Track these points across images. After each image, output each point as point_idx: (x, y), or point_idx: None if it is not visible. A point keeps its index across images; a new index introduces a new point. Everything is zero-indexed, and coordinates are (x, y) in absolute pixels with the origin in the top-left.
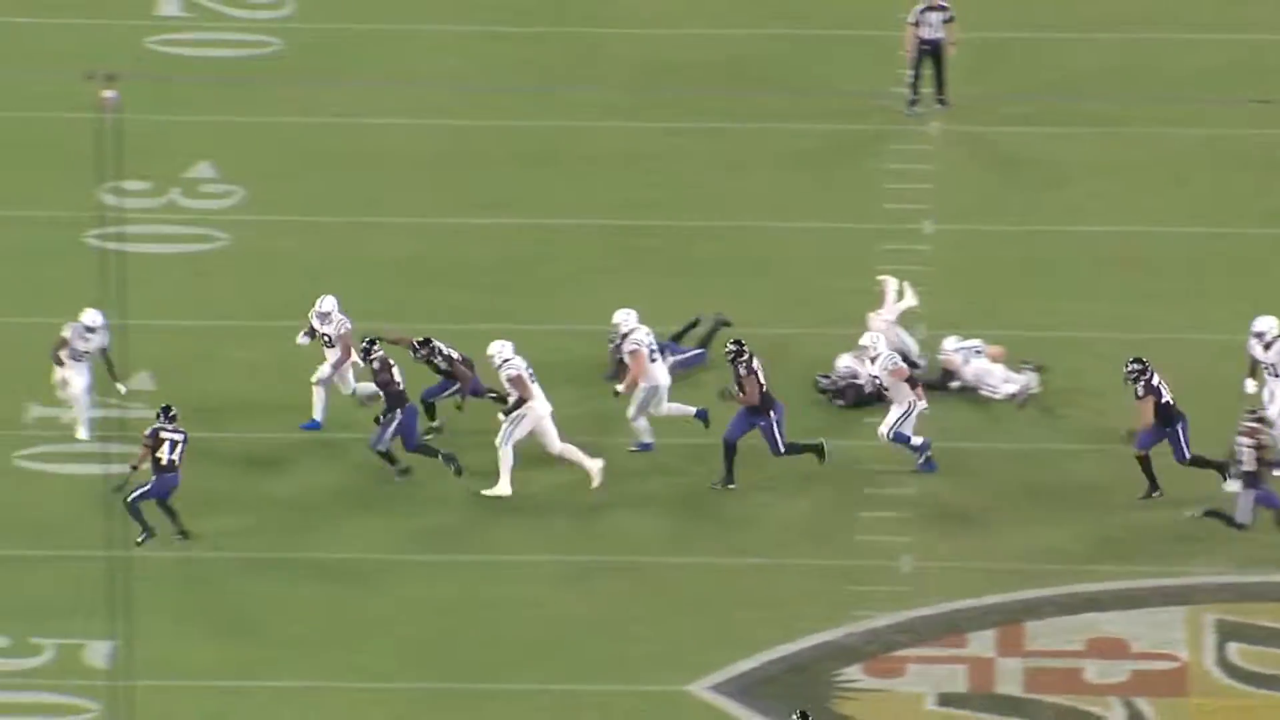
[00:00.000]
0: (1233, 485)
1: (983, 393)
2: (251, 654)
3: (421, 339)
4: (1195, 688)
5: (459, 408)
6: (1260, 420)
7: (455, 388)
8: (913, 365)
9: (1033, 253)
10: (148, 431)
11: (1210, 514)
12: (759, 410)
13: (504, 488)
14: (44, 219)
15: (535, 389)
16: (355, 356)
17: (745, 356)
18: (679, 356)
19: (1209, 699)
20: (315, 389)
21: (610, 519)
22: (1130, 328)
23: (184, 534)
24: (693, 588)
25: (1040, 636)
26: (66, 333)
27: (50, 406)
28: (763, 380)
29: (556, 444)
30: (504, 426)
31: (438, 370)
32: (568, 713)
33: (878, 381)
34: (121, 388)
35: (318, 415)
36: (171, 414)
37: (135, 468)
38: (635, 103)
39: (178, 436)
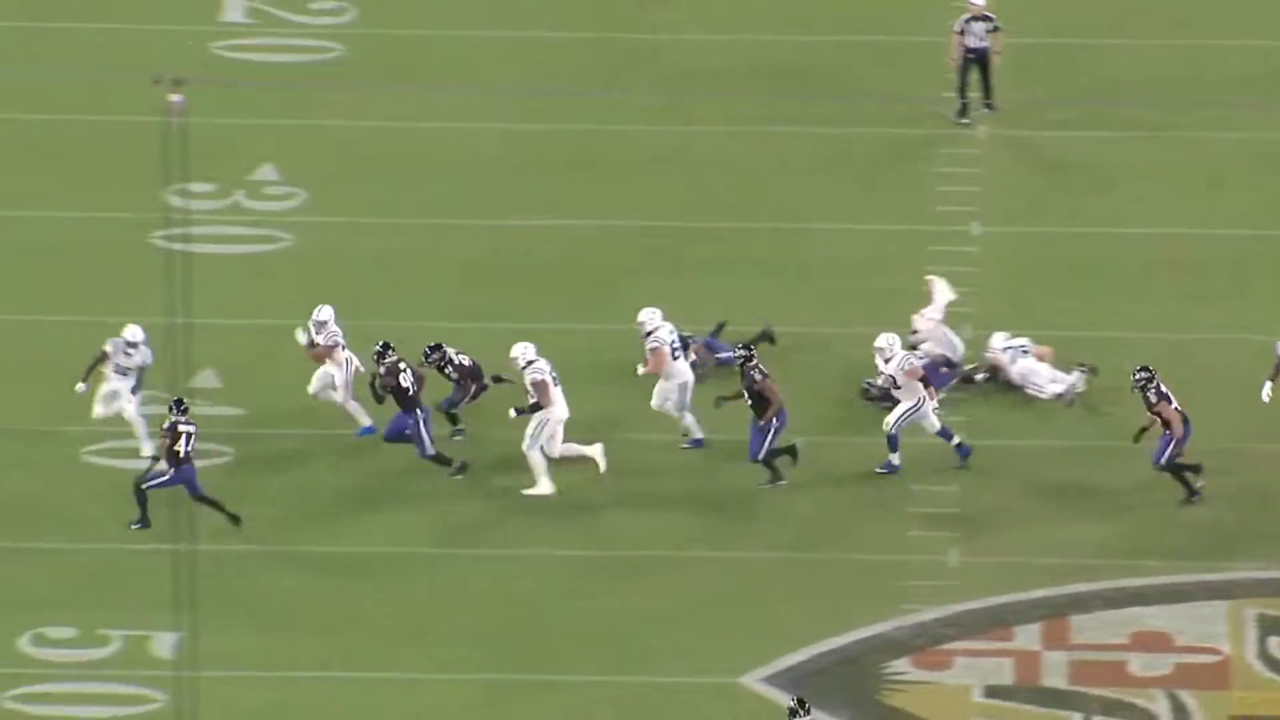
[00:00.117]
0: None
1: (1029, 391)
2: (312, 646)
3: (433, 344)
4: (1237, 681)
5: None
6: None
7: (470, 395)
8: (953, 365)
9: (1078, 254)
10: (166, 425)
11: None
12: (763, 408)
13: (545, 486)
14: (112, 220)
15: (557, 393)
16: (347, 361)
17: (754, 362)
18: (721, 354)
19: (1250, 692)
20: (345, 405)
21: (662, 514)
22: (1174, 328)
23: (236, 519)
24: (744, 582)
25: (1085, 630)
26: (108, 347)
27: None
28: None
29: (558, 448)
30: (529, 431)
31: (448, 378)
32: (624, 703)
33: (892, 380)
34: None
35: (365, 421)
36: (184, 406)
37: (156, 459)
38: (688, 107)
39: (191, 428)
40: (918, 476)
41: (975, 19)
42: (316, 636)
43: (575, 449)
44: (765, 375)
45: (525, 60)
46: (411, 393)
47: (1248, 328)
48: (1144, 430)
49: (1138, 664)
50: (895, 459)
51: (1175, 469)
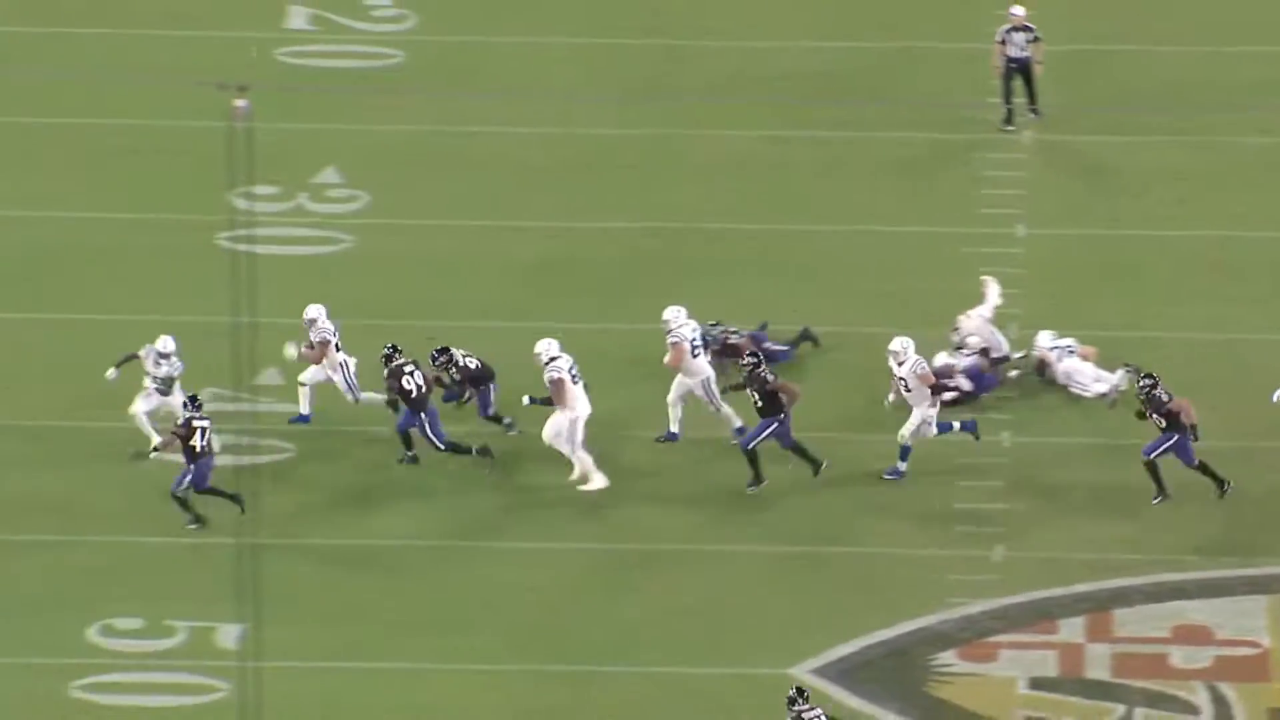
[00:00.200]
0: None
1: (1073, 390)
2: (368, 637)
3: (440, 348)
4: (1276, 673)
5: (461, 405)
6: None
7: (466, 396)
8: (1001, 360)
9: (1119, 256)
10: (180, 421)
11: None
12: (773, 410)
13: (599, 480)
14: (179, 221)
15: (577, 390)
16: (343, 364)
17: (761, 368)
18: (770, 346)
19: None
20: (361, 403)
21: (705, 509)
22: (1214, 328)
23: (238, 501)
24: (793, 575)
25: (1128, 623)
26: (142, 351)
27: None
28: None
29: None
30: (564, 436)
31: (451, 379)
32: (674, 695)
33: (904, 384)
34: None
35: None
36: (198, 402)
37: (158, 449)
38: (736, 112)
39: (206, 423)
40: (964, 473)
41: (1015, 29)
42: (374, 630)
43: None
44: (775, 375)
45: (580, 65)
46: (415, 394)
47: None
48: (1158, 430)
49: (1179, 656)
50: (902, 466)
51: (1155, 471)
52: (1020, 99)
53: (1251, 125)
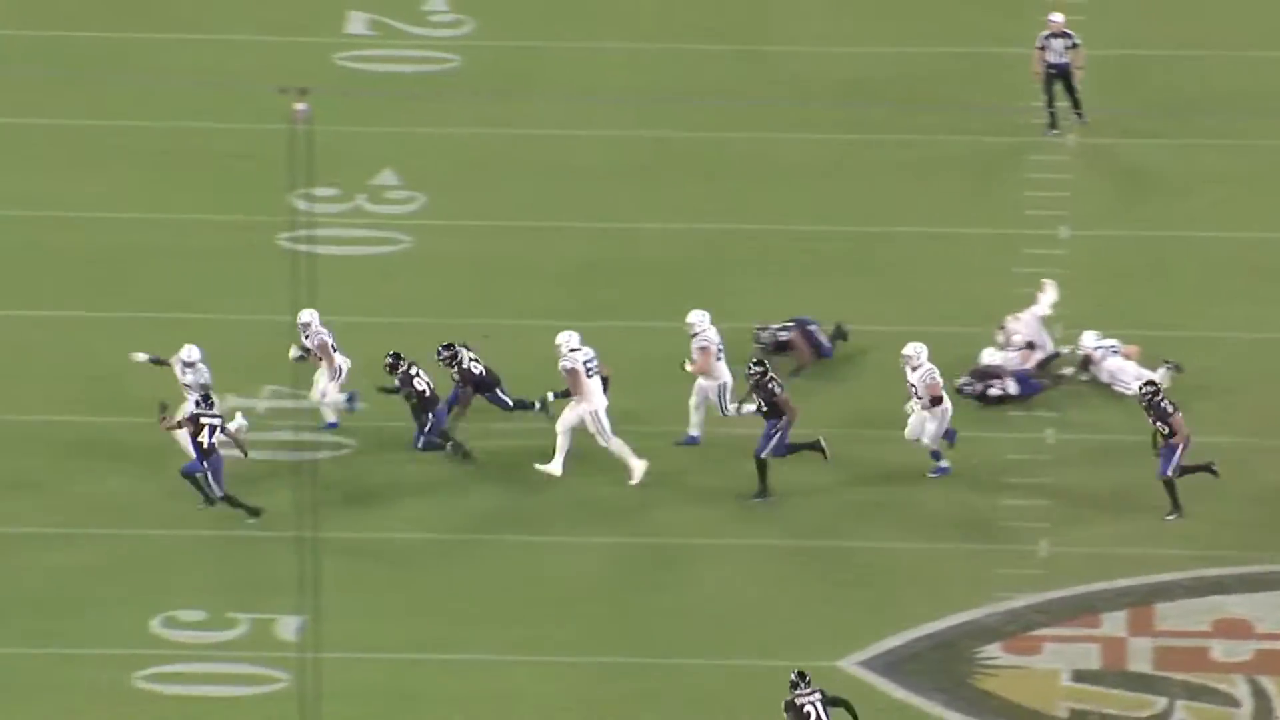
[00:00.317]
0: None
1: (1116, 388)
2: (429, 629)
3: (446, 344)
4: None
5: (459, 417)
6: None
7: (463, 401)
8: (1050, 358)
9: (1162, 257)
10: (187, 415)
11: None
12: (777, 415)
13: (638, 466)
14: (241, 222)
15: (592, 383)
16: (340, 368)
17: (768, 378)
18: (818, 340)
19: None
20: (325, 407)
21: (750, 505)
22: (1255, 328)
23: (210, 502)
24: (840, 570)
25: (1169, 617)
26: (171, 360)
27: (245, 397)
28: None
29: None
30: (592, 428)
31: (451, 379)
32: (732, 686)
33: (914, 389)
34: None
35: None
36: (210, 400)
37: (163, 419)
38: (794, 116)
39: (215, 421)
40: (1010, 469)
41: (1054, 36)
42: (436, 621)
43: (564, 450)
44: (782, 387)
45: (636, 69)
46: (429, 394)
47: None
48: (1160, 436)
49: (1219, 650)
50: (945, 463)
51: (1175, 481)
52: (1062, 103)
53: None
